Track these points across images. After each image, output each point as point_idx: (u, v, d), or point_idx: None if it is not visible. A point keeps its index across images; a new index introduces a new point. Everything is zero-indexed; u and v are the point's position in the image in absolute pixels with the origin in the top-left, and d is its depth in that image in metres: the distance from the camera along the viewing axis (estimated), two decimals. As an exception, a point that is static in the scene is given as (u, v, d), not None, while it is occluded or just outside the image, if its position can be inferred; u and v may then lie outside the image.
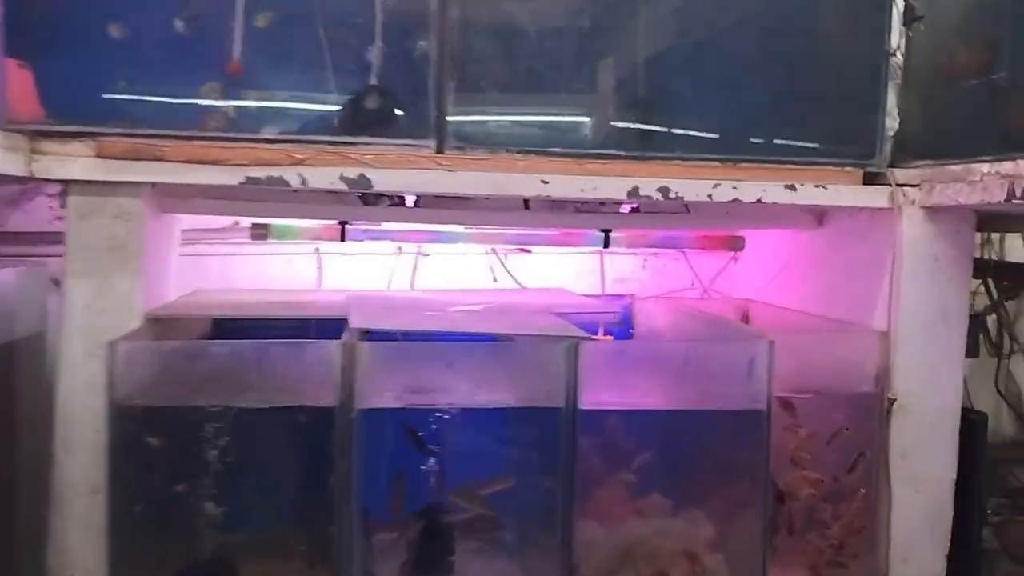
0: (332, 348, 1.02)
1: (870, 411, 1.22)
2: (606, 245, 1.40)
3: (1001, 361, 1.80)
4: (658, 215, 1.39)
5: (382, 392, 1.06)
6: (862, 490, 1.22)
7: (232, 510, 1.04)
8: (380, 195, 1.26)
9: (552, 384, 1.09)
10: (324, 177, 1.09)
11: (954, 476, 1.23)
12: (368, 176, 1.10)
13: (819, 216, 1.43)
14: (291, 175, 1.09)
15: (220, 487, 1.03)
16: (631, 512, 1.18)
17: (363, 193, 1.27)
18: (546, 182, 1.15)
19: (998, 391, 1.82)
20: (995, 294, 1.72)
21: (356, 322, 1.07)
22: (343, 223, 1.30)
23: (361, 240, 1.32)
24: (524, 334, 1.11)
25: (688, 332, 1.32)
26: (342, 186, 1.09)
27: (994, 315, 1.77)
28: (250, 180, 1.08)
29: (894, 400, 1.20)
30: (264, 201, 1.24)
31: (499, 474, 1.16)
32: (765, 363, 1.10)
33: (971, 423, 1.24)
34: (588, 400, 1.10)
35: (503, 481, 1.17)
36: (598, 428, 1.14)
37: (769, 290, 1.59)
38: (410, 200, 1.28)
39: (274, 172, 1.08)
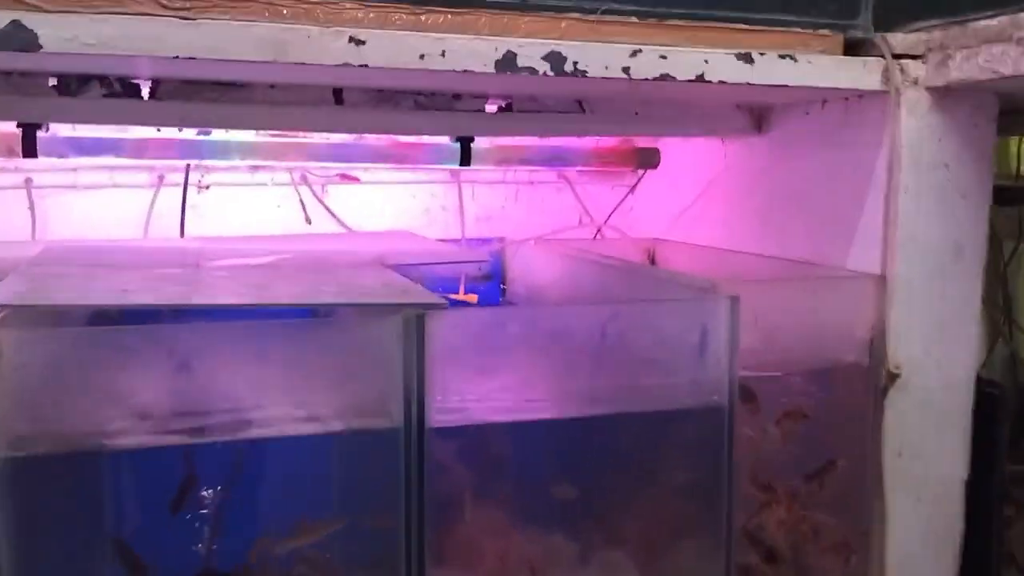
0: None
1: (856, 392, 0.84)
2: (465, 161, 0.94)
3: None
4: (539, 116, 0.94)
5: (55, 417, 0.57)
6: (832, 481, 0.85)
7: None
8: (87, 78, 0.76)
9: (381, 383, 0.64)
10: (-65, 24, 0.59)
11: (965, 476, 0.88)
12: (30, 27, 0.60)
13: (757, 118, 1.03)
14: None
15: None
16: (520, 563, 0.78)
17: (59, 76, 0.76)
18: (360, 42, 0.67)
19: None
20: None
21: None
22: (27, 127, 0.78)
23: (65, 156, 0.80)
24: (327, 303, 0.64)
25: (594, 289, 0.89)
26: (-29, 40, 0.59)
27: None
28: None
29: (896, 375, 0.82)
30: None
31: (306, 521, 0.74)
32: (726, 333, 0.69)
33: (986, 399, 0.88)
34: (442, 408, 0.66)
35: (316, 529, 0.75)
36: (460, 446, 0.70)
37: (683, 226, 1.19)
38: (145, 88, 0.78)
39: None
